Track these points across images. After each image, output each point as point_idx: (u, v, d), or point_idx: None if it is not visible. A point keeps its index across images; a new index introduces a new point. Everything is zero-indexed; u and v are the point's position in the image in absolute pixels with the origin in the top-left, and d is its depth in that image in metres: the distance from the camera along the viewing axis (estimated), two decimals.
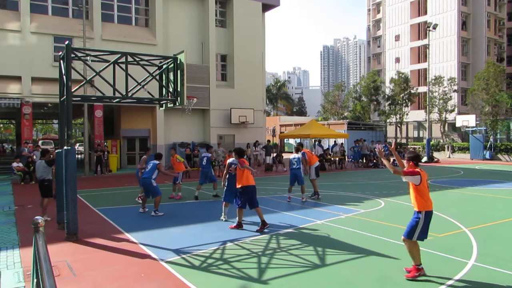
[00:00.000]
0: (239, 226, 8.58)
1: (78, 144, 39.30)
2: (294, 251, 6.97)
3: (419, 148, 36.10)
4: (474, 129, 32.80)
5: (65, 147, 8.19)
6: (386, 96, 47.04)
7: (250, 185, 8.47)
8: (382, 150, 6.28)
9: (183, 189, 13.70)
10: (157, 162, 10.56)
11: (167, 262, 6.44)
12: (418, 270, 5.61)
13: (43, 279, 2.49)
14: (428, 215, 5.64)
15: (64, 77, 8.26)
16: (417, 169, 5.72)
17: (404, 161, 5.97)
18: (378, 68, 61.64)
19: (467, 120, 32.58)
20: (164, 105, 10.56)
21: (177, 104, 9.58)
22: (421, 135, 50.58)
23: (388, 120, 46.99)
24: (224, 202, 9.45)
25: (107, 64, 9.07)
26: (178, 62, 9.37)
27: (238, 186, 8.54)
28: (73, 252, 7.07)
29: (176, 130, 25.45)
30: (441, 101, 41.41)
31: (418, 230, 5.60)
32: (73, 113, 8.51)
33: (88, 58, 9.14)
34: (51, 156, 10.22)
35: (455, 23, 49.33)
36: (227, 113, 26.37)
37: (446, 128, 44.22)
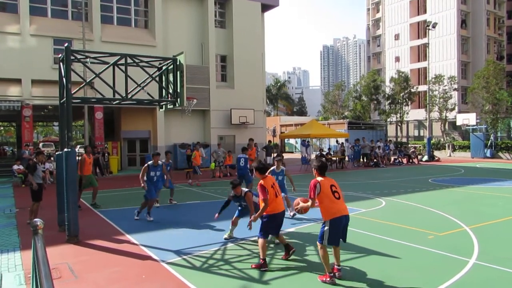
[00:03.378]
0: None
1: (78, 146, 39.31)
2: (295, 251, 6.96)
3: (420, 147, 36.06)
4: (474, 127, 32.76)
5: (66, 149, 8.19)
6: (386, 95, 47.02)
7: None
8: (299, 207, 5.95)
9: (184, 190, 13.72)
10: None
11: (168, 263, 6.45)
12: (330, 277, 5.50)
13: (41, 283, 2.48)
14: (335, 223, 5.49)
15: (64, 79, 8.27)
16: (316, 179, 5.61)
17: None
18: (378, 67, 61.57)
19: (468, 119, 32.54)
20: (164, 106, 10.57)
21: (177, 105, 9.59)
22: (421, 134, 50.51)
23: (388, 119, 46.96)
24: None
25: (107, 66, 9.08)
26: (178, 63, 9.37)
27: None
28: (74, 254, 7.07)
29: (177, 131, 25.45)
30: (441, 100, 41.35)
31: (326, 237, 5.51)
32: (73, 115, 8.52)
33: (88, 60, 9.14)
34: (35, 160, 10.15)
35: (454, 21, 49.29)
36: (227, 114, 26.36)
37: (446, 127, 44.16)
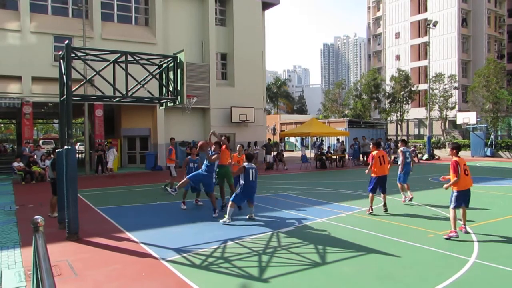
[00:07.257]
0: (371, 210, 9.86)
1: (78, 144, 39.32)
2: (294, 249, 6.97)
3: (420, 145, 36.05)
4: (474, 126, 32.75)
5: (66, 147, 8.19)
6: (387, 94, 46.96)
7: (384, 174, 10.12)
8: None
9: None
10: None
11: (168, 261, 6.45)
12: (451, 232, 7.53)
13: (42, 279, 2.48)
14: (461, 193, 8.05)
15: (64, 76, 8.25)
16: (455, 159, 8.00)
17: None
18: (378, 65, 61.52)
19: (468, 117, 32.51)
20: (164, 104, 10.55)
21: (177, 103, 9.56)
22: (421, 133, 50.49)
23: (388, 118, 46.92)
24: (231, 202, 9.07)
25: (107, 63, 9.06)
26: (178, 61, 9.35)
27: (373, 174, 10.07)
28: (74, 252, 7.07)
29: (177, 129, 25.43)
30: (441, 99, 41.33)
31: (451, 201, 7.94)
32: (73, 112, 8.51)
33: (88, 57, 9.12)
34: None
35: (455, 20, 49.21)
36: (227, 112, 26.35)
37: (446, 126, 44.14)
